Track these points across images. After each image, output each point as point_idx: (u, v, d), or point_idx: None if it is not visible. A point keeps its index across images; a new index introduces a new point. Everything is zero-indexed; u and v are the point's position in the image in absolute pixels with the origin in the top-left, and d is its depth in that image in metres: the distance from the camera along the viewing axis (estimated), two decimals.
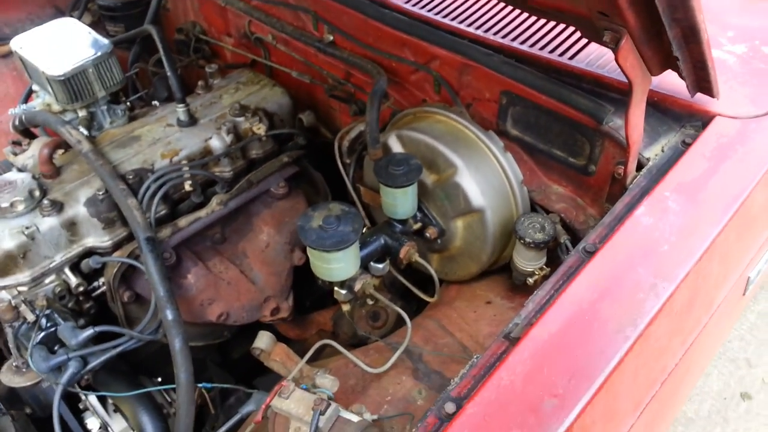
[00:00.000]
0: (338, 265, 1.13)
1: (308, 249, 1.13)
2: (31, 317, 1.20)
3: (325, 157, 1.65)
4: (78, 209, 1.35)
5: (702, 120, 1.16)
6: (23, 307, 1.22)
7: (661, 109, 1.19)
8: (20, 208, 1.30)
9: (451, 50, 1.33)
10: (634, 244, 0.97)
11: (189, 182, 1.43)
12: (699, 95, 1.12)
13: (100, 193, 1.36)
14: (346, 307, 1.31)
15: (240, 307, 1.53)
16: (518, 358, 0.84)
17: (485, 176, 1.25)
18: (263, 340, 1.27)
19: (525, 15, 1.35)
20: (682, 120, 1.18)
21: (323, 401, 1.00)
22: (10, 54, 1.99)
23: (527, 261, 1.24)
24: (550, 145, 1.28)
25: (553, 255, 1.24)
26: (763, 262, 1.22)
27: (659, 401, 1.05)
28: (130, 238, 1.41)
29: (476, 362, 0.87)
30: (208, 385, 1.29)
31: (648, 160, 1.14)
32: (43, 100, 1.64)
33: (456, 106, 1.36)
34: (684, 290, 0.94)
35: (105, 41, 1.59)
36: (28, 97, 1.79)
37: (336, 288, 1.27)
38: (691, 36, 0.86)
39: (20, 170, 1.44)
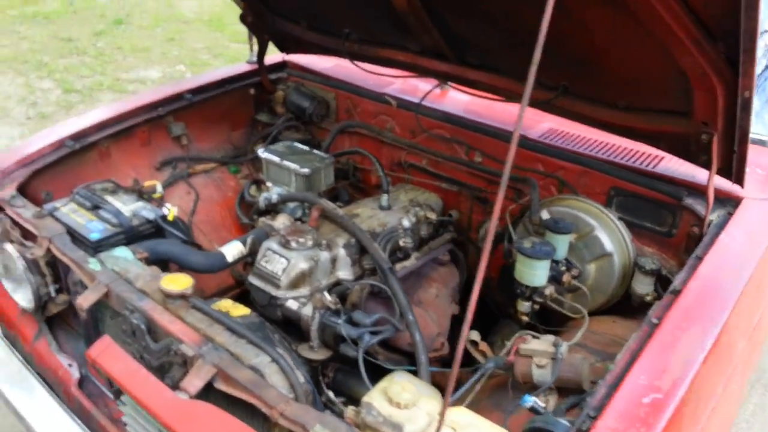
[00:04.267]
0: (539, 272, 1.82)
1: (520, 259, 1.82)
2: (334, 306, 1.79)
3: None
4: (339, 250, 1.99)
5: (735, 201, 1.97)
6: (329, 300, 1.80)
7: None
8: (309, 243, 1.93)
9: (574, 162, 2.16)
10: (724, 252, 1.72)
11: (403, 240, 2.11)
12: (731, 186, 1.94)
13: (353, 240, 2.02)
14: (525, 318, 1.95)
15: (423, 336, 2.11)
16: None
17: (611, 233, 2.01)
18: (475, 335, 1.88)
19: (617, 140, 2.21)
20: (723, 202, 1.99)
21: (558, 339, 1.62)
22: (211, 170, 2.74)
23: (644, 285, 1.95)
24: (642, 220, 2.07)
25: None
26: None
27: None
28: (360, 277, 2.04)
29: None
30: (435, 369, 1.85)
31: (711, 221, 1.93)
32: (279, 191, 2.34)
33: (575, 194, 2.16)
34: (756, 275, 1.67)
35: (327, 155, 2.37)
36: (249, 188, 2.49)
37: (520, 301, 1.92)
38: (743, 138, 1.70)
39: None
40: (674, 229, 2.01)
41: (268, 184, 2.40)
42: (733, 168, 1.84)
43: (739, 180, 1.89)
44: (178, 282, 1.64)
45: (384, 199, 2.27)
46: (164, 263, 1.92)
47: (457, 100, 2.53)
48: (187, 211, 2.52)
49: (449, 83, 2.53)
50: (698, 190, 1.99)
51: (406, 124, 2.58)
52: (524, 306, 1.93)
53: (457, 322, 2.22)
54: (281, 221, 2.14)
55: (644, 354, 1.37)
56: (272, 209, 2.25)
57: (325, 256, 1.95)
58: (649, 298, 1.94)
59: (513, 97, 2.28)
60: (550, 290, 1.88)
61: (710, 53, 1.46)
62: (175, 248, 1.93)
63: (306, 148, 2.45)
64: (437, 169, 2.55)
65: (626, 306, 2.04)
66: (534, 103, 2.18)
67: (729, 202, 1.97)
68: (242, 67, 2.97)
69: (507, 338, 1.94)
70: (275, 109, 2.94)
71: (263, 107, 3.02)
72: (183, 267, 1.91)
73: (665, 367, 1.34)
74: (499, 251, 2.44)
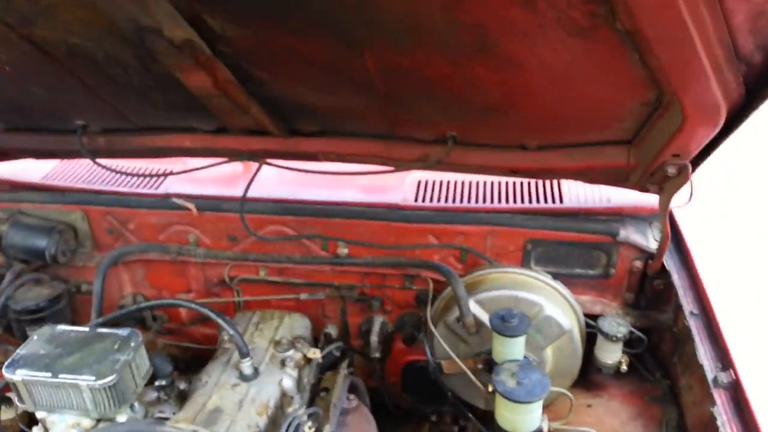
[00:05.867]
0: (535, 413, 1.27)
1: (506, 405, 1.25)
2: None
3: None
4: None
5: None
6: None
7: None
8: None
9: (476, 224, 1.65)
10: None
11: (309, 425, 1.37)
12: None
13: None
14: None
15: None
16: None
17: (558, 304, 1.56)
18: None
19: (517, 182, 1.75)
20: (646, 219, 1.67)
21: None
22: None
23: (612, 354, 1.55)
24: (570, 268, 1.66)
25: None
26: None
27: None
28: None
29: None
30: None
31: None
32: (66, 423, 1.37)
33: (491, 264, 1.66)
34: None
35: (128, 330, 1.46)
36: None
37: None
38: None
39: None
40: (611, 268, 1.65)
41: (39, 416, 1.40)
42: None
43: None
44: None
45: (247, 365, 1.48)
46: None
47: (285, 177, 1.77)
48: None
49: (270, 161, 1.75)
50: (624, 215, 1.65)
51: (220, 229, 1.77)
52: None
53: None
54: None
55: None
56: None
57: None
58: (624, 366, 1.56)
59: (395, 163, 1.58)
60: (546, 425, 1.36)
61: (728, 78, 1.02)
62: None
63: (82, 330, 1.48)
64: (284, 276, 1.81)
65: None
66: (419, 165, 1.56)
67: (655, 218, 1.66)
68: None
69: None
70: None
71: None
72: None
73: None
74: (395, 351, 1.88)
